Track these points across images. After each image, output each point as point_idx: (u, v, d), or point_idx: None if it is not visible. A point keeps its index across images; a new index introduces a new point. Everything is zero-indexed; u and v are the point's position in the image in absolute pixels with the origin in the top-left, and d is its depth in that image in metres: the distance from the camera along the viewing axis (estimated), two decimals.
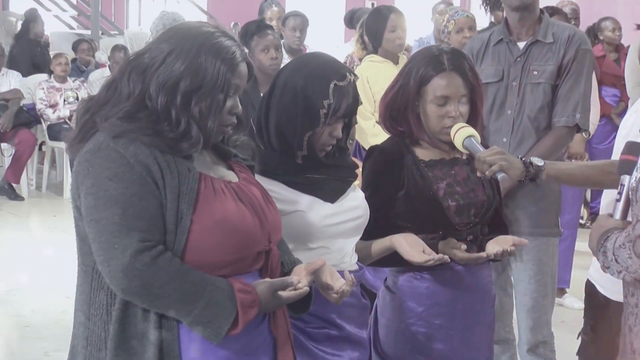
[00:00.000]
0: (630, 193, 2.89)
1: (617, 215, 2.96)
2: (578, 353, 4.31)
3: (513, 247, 3.58)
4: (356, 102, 3.36)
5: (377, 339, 3.74)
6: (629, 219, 2.92)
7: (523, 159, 3.66)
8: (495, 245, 3.59)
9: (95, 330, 2.74)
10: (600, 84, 9.06)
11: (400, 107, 3.70)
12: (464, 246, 3.57)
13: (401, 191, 3.64)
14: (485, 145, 3.69)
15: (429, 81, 3.63)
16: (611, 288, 3.81)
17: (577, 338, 4.30)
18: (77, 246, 2.82)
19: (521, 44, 4.70)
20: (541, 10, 4.76)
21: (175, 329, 2.71)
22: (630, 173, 2.92)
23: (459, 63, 3.66)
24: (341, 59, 8.64)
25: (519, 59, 4.67)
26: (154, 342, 2.68)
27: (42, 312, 7.09)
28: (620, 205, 2.95)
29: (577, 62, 4.62)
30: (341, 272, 3.13)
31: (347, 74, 3.32)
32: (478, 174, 3.61)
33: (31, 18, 13.74)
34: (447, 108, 3.62)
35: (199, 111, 2.75)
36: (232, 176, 2.94)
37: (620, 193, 2.96)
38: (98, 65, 13.35)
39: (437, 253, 3.47)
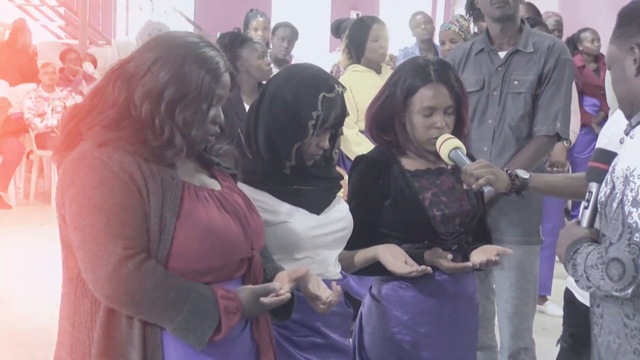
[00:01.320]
0: (599, 207, 2.88)
1: (585, 223, 2.96)
2: (557, 359, 4.31)
3: (497, 257, 3.59)
4: (344, 113, 3.37)
5: (363, 347, 3.73)
6: (596, 226, 2.92)
7: (509, 172, 3.68)
8: (480, 255, 3.60)
9: (80, 338, 2.73)
10: (580, 93, 9.10)
11: (386, 117, 3.70)
12: (450, 256, 3.57)
13: (387, 200, 3.63)
14: (470, 156, 3.69)
15: (416, 92, 3.63)
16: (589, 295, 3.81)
17: (557, 345, 4.31)
18: (62, 254, 2.81)
19: (502, 54, 4.70)
20: (522, 21, 4.77)
21: (159, 336, 2.71)
22: (597, 180, 2.91)
23: (445, 74, 3.66)
24: (327, 68, 8.68)
25: (499, 68, 4.68)
26: (137, 348, 2.67)
27: (29, 320, 7.09)
28: (588, 213, 2.95)
29: (557, 72, 4.62)
30: (328, 283, 3.14)
31: (336, 85, 3.32)
32: (464, 186, 3.62)
33: (19, 27, 13.72)
34: (434, 118, 3.62)
35: (183, 120, 2.75)
36: (215, 184, 2.95)
37: (588, 200, 2.95)
38: (85, 75, 13.33)
39: (424, 262, 3.48)
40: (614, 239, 2.70)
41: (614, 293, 2.73)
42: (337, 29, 9.93)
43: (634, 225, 2.65)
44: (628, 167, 2.70)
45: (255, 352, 2.94)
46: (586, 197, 2.97)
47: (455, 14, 10.87)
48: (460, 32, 7.25)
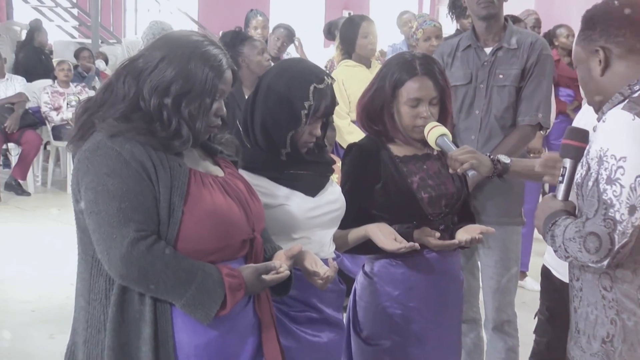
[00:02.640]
0: (576, 188, 2.88)
1: (560, 196, 2.95)
2: (535, 331, 4.32)
3: (481, 235, 3.62)
4: (334, 103, 3.37)
5: (356, 321, 3.74)
6: (571, 199, 2.92)
7: (491, 157, 3.68)
8: (464, 234, 3.62)
9: (95, 314, 2.73)
10: (556, 85, 9.11)
11: (376, 108, 3.71)
12: (437, 234, 3.59)
13: (378, 184, 3.64)
14: (456, 142, 3.70)
15: (403, 84, 3.64)
16: (564, 272, 3.81)
17: (534, 318, 4.32)
18: (77, 237, 2.82)
19: (488, 50, 4.70)
20: (505, 19, 4.76)
21: (168, 312, 2.71)
22: (570, 156, 2.91)
23: (430, 68, 3.67)
24: (322, 63, 8.68)
25: (485, 63, 4.67)
26: (149, 323, 2.68)
27: (47, 298, 7.09)
28: (563, 187, 2.94)
29: (539, 66, 4.62)
30: (325, 261, 3.16)
31: (325, 77, 3.32)
32: (450, 170, 3.63)
33: (36, 27, 13.71)
34: (419, 109, 3.64)
35: (188, 113, 2.76)
36: (218, 171, 2.96)
37: (562, 175, 2.95)
38: (98, 72, 13.32)
39: (413, 241, 3.48)
40: (591, 215, 2.71)
41: (590, 264, 2.74)
42: (328, 31, 9.94)
43: (608, 201, 2.65)
44: (601, 148, 2.70)
45: (258, 326, 2.94)
46: (560, 172, 2.96)
47: (422, 13, 10.84)
48: (441, 29, 7.24)
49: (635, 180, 2.63)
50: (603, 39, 2.87)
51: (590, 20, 2.93)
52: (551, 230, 2.87)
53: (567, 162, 2.93)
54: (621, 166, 2.64)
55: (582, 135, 2.92)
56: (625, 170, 2.64)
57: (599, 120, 2.88)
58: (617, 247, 2.65)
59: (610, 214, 2.65)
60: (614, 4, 2.91)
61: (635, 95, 2.79)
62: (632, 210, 2.64)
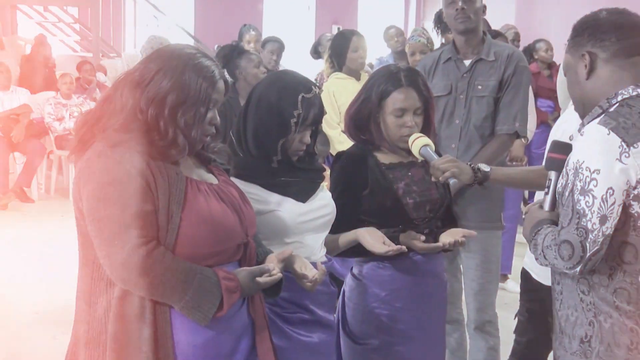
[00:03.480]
0: (557, 197, 2.90)
1: (546, 207, 2.96)
2: (515, 331, 4.34)
3: (463, 239, 3.62)
4: (321, 111, 3.38)
5: (345, 321, 3.74)
6: (557, 211, 2.93)
7: (472, 166, 3.69)
8: (448, 237, 3.63)
9: (96, 316, 2.73)
10: (536, 96, 9.15)
11: (363, 118, 3.72)
12: (422, 237, 3.60)
13: (366, 190, 3.65)
14: (437, 152, 3.71)
15: (389, 95, 3.66)
16: (543, 274, 3.84)
17: (514, 318, 4.33)
18: (78, 242, 2.81)
19: (467, 62, 4.71)
20: (484, 32, 4.78)
21: (167, 313, 2.71)
22: (555, 169, 2.93)
23: (415, 79, 3.69)
24: (312, 75, 8.69)
25: (465, 75, 4.69)
26: (149, 325, 2.68)
27: (50, 300, 7.08)
28: (549, 198, 2.95)
29: (516, 78, 4.63)
30: (314, 264, 3.16)
31: (313, 87, 3.34)
32: (433, 178, 3.63)
33: (40, 42, 13.70)
34: (404, 119, 3.65)
35: (184, 122, 2.76)
36: (212, 179, 2.96)
37: (548, 187, 2.96)
38: (99, 84, 13.31)
39: (399, 244, 3.49)
40: (565, 224, 2.74)
41: (565, 271, 2.77)
42: (315, 51, 9.97)
43: (581, 211, 2.68)
44: (578, 160, 2.73)
45: (251, 327, 2.95)
46: (546, 184, 2.98)
47: (417, 27, 10.87)
48: (428, 44, 7.26)
49: (606, 192, 2.65)
50: (590, 44, 2.90)
51: (580, 28, 2.96)
52: (534, 239, 2.89)
53: (553, 175, 2.95)
54: (594, 178, 2.66)
55: (566, 149, 2.93)
56: (598, 182, 2.66)
57: (579, 131, 2.90)
58: (588, 254, 2.68)
59: (582, 223, 2.67)
60: (602, 13, 2.95)
61: (612, 109, 2.81)
62: (603, 220, 2.66)
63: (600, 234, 2.66)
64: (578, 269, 2.71)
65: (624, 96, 2.82)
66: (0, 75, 11.34)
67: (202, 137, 2.87)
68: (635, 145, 2.67)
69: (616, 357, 2.77)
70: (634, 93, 2.82)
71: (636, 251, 2.74)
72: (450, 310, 4.54)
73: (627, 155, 2.66)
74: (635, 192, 2.69)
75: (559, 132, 3.89)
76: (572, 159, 2.78)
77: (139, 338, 2.67)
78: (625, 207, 2.70)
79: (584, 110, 2.95)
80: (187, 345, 2.74)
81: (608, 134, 2.69)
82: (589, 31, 2.91)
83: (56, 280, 7.53)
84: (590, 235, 2.67)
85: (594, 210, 2.66)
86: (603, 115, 2.81)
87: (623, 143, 2.67)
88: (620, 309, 2.77)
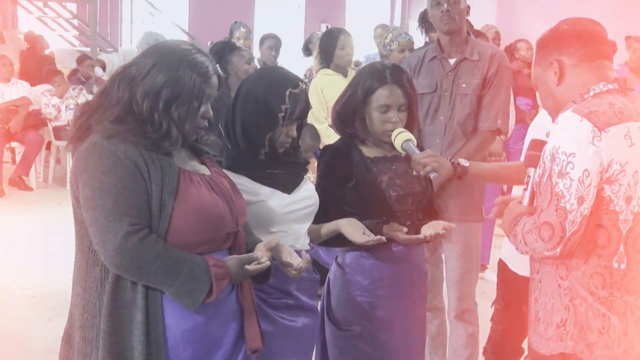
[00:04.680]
0: (534, 186, 2.93)
1: (525, 202, 2.99)
2: (491, 319, 4.35)
3: (444, 231, 3.64)
4: (308, 106, 3.39)
5: (330, 308, 3.75)
6: (535, 205, 2.96)
7: (452, 160, 3.70)
8: (429, 229, 3.64)
9: (91, 300, 2.74)
10: (516, 94, 9.15)
11: (349, 113, 3.72)
12: (404, 229, 3.61)
13: (350, 182, 3.65)
14: (420, 147, 3.73)
15: (374, 92, 3.66)
16: (519, 265, 3.86)
17: (491, 307, 4.34)
18: (75, 229, 2.82)
19: (452, 61, 4.71)
20: (467, 32, 4.78)
21: (159, 298, 2.72)
22: (534, 166, 2.95)
23: (399, 77, 3.70)
24: (301, 72, 8.69)
25: (449, 73, 4.69)
26: (141, 309, 2.69)
27: (47, 285, 7.07)
28: (527, 193, 2.98)
29: (498, 77, 4.64)
30: (299, 252, 3.17)
31: (300, 83, 3.35)
32: (414, 172, 3.64)
33: (32, 39, 13.66)
34: (389, 114, 3.66)
35: (178, 115, 2.77)
36: (204, 170, 2.97)
37: (527, 183, 2.99)
38: (97, 79, 13.27)
39: (382, 235, 3.50)
40: (544, 206, 2.78)
41: (546, 253, 2.80)
42: (306, 48, 9.98)
43: (560, 193, 2.73)
44: (554, 146, 2.78)
45: (240, 312, 2.95)
46: (525, 180, 3.01)
47: (396, 26, 10.90)
48: (412, 41, 7.29)
49: (582, 174, 2.70)
50: (556, 53, 2.97)
51: (543, 41, 3.05)
52: (514, 230, 2.92)
53: (531, 171, 2.98)
54: (571, 161, 2.72)
55: (544, 146, 2.95)
56: (574, 165, 2.71)
57: (554, 122, 2.94)
58: (568, 234, 2.73)
59: (561, 204, 2.72)
60: (562, 26, 3.04)
61: (585, 101, 2.87)
62: (580, 200, 2.71)
63: (579, 214, 2.72)
64: (558, 249, 2.76)
65: (596, 91, 2.89)
66: (3, 68, 11.32)
67: (195, 129, 2.88)
68: (606, 130, 2.73)
69: (588, 340, 2.81)
70: (604, 88, 2.89)
71: (609, 234, 2.79)
72: (432, 298, 4.55)
73: (599, 139, 2.72)
74: (607, 175, 2.74)
75: (536, 128, 3.90)
76: (548, 146, 2.83)
77: (131, 322, 2.69)
78: (599, 191, 2.75)
79: (558, 115, 2.98)
80: (178, 330, 2.75)
81: (581, 120, 2.75)
82: (553, 42, 3.00)
83: (53, 266, 7.51)
84: (569, 216, 2.72)
85: (571, 192, 2.71)
86: (576, 105, 2.87)
87: (595, 128, 2.73)
88: (594, 294, 2.81)
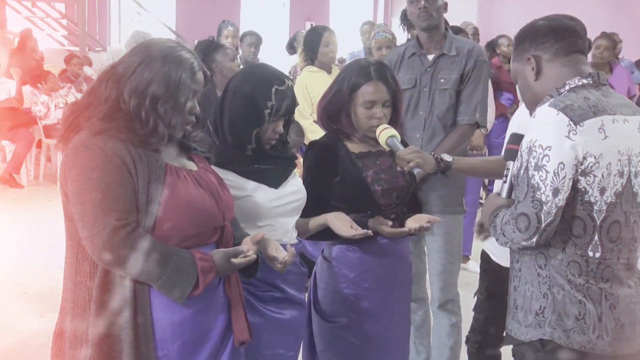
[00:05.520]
0: (513, 180, 2.96)
1: (504, 194, 3.03)
2: (474, 309, 4.37)
3: (428, 224, 3.64)
4: (294, 103, 3.38)
5: (317, 300, 3.75)
6: (513, 197, 2.99)
7: (435, 156, 3.71)
8: (413, 222, 3.65)
9: (81, 294, 2.73)
10: (497, 89, 9.18)
11: (335, 109, 3.73)
12: (389, 222, 3.62)
13: (336, 177, 3.65)
14: (404, 142, 3.73)
15: (359, 88, 3.67)
16: (501, 256, 3.89)
17: (474, 297, 4.36)
18: (65, 225, 2.81)
19: (430, 57, 4.72)
20: (446, 28, 4.80)
21: (147, 292, 2.72)
22: (513, 159, 2.99)
23: (384, 73, 3.70)
24: (286, 69, 8.70)
25: (428, 69, 4.70)
26: (129, 302, 2.69)
27: (38, 280, 7.06)
28: (506, 186, 3.02)
29: (476, 71, 4.65)
30: (284, 246, 3.17)
31: (286, 80, 3.34)
32: (398, 168, 3.65)
33: (26, 36, 13.60)
34: (374, 110, 3.66)
35: (164, 112, 2.77)
36: (192, 166, 2.97)
37: (506, 176, 3.02)
38: (86, 77, 13.24)
39: (367, 228, 3.51)
40: (521, 198, 2.84)
41: (523, 243, 2.85)
42: (290, 47, 9.99)
43: (536, 185, 2.78)
44: (531, 139, 2.83)
45: (227, 305, 2.95)
46: (504, 173, 3.04)
47: (380, 23, 10.94)
48: (392, 39, 7.30)
49: (558, 166, 2.75)
50: (533, 48, 3.02)
51: (520, 37, 3.10)
52: (493, 222, 2.96)
53: (511, 164, 3.01)
54: (547, 154, 2.77)
55: (522, 140, 2.98)
56: (550, 158, 2.76)
57: (531, 115, 2.97)
58: (543, 225, 2.78)
59: (537, 196, 2.77)
60: (538, 22, 3.10)
61: (561, 95, 2.92)
62: (555, 192, 2.76)
63: (554, 205, 2.77)
64: (535, 239, 2.81)
65: (571, 85, 2.94)
66: None
67: (182, 125, 2.87)
68: (581, 124, 2.78)
69: (565, 326, 2.86)
70: (580, 83, 2.94)
71: (584, 225, 2.85)
72: (415, 289, 4.56)
73: (574, 132, 2.77)
74: (582, 167, 2.79)
75: (517, 122, 3.92)
76: (526, 139, 2.87)
77: (120, 315, 2.68)
78: (574, 183, 2.80)
79: (535, 109, 3.01)
80: (166, 322, 2.75)
81: (557, 114, 2.79)
82: (530, 37, 3.05)
83: (44, 261, 7.50)
84: (544, 207, 2.77)
85: (547, 184, 2.76)
86: (553, 99, 2.92)
87: (571, 122, 2.77)
88: (572, 282, 2.86)
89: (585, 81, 2.95)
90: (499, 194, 3.05)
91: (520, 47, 3.08)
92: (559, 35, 3.00)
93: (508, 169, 3.02)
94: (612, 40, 9.67)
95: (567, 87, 2.94)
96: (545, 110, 2.85)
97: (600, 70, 9.74)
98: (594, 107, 2.84)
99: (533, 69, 3.02)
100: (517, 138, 3.01)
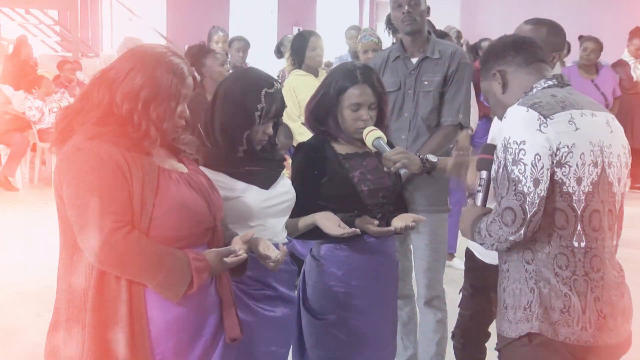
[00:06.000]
0: (492, 183, 2.99)
1: (479, 202, 3.05)
2: (459, 305, 4.37)
3: (414, 223, 3.65)
4: (283, 105, 3.39)
5: (306, 298, 3.76)
6: (488, 205, 3.03)
7: (421, 157, 3.73)
8: (399, 221, 3.66)
9: (77, 295, 2.73)
10: (480, 90, 9.18)
11: (322, 111, 3.73)
12: (376, 222, 3.63)
13: (324, 178, 3.66)
14: (390, 143, 3.74)
15: (345, 91, 3.67)
16: (485, 253, 3.89)
17: (459, 293, 4.36)
18: (59, 227, 2.81)
19: (414, 60, 4.73)
20: (429, 32, 4.81)
21: (142, 292, 2.72)
22: (485, 168, 3.02)
23: (369, 76, 3.71)
24: (274, 72, 8.70)
25: (412, 71, 4.70)
26: (125, 302, 2.69)
27: (34, 281, 7.04)
28: (481, 195, 3.05)
29: (458, 74, 4.67)
30: (276, 245, 3.18)
31: (275, 83, 3.35)
32: (385, 169, 3.66)
33: (21, 42, 13.57)
34: (360, 112, 3.67)
35: (156, 116, 2.77)
36: (182, 168, 2.96)
37: (480, 185, 3.06)
38: (79, 82, 13.21)
39: (354, 227, 3.52)
40: (504, 194, 2.87)
41: (510, 238, 2.87)
42: (278, 51, 10.01)
43: (516, 178, 2.82)
44: (505, 138, 2.88)
45: (219, 303, 2.96)
46: (478, 182, 3.07)
47: (366, 27, 10.98)
48: (378, 42, 7.32)
49: (534, 158, 2.81)
50: (496, 65, 3.15)
51: (484, 58, 3.24)
52: (478, 227, 2.98)
53: (484, 174, 3.04)
54: (522, 148, 2.82)
55: (494, 150, 3.03)
56: (526, 151, 2.81)
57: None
58: (529, 216, 2.82)
59: (519, 188, 2.81)
60: (495, 41, 3.31)
61: (528, 95, 3.01)
62: (536, 183, 2.81)
63: (536, 196, 2.81)
64: (522, 231, 2.84)
65: (538, 88, 3.04)
66: None
67: (173, 129, 2.87)
68: (551, 117, 2.85)
69: (551, 319, 2.90)
70: (546, 85, 3.04)
71: (566, 216, 2.88)
72: (402, 286, 4.57)
73: (545, 125, 2.83)
74: (557, 158, 2.84)
75: (497, 127, 3.93)
76: (500, 139, 2.92)
77: (116, 315, 2.68)
78: (551, 175, 2.84)
79: None
80: (161, 321, 2.74)
81: (527, 111, 2.87)
82: (492, 56, 3.18)
83: (39, 262, 7.50)
84: (527, 198, 2.81)
85: (527, 176, 2.81)
86: (521, 99, 3.00)
87: (541, 116, 2.85)
88: (559, 275, 2.90)
89: (550, 82, 3.05)
90: (474, 203, 3.08)
91: (485, 67, 3.20)
92: (518, 47, 3.13)
93: (482, 179, 3.05)
94: (598, 43, 9.89)
95: (534, 90, 3.03)
96: (515, 109, 2.92)
97: (587, 71, 9.95)
98: (561, 103, 2.92)
99: (499, 83, 3.13)
100: (490, 148, 3.05)
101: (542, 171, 2.80)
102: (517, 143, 2.83)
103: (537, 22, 3.78)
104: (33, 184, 11.60)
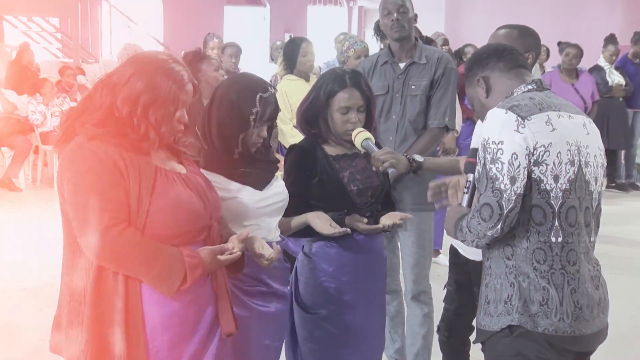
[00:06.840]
0: (476, 184, 3.00)
1: (464, 203, 3.06)
2: (444, 300, 4.38)
3: (401, 221, 3.66)
4: (277, 109, 3.38)
5: (298, 294, 3.75)
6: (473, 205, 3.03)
7: (408, 157, 3.74)
8: (387, 219, 3.66)
9: (77, 289, 2.73)
10: (463, 94, 9.20)
11: (313, 114, 3.73)
12: (365, 220, 3.63)
13: (315, 179, 3.66)
14: (378, 144, 3.74)
15: (335, 95, 3.67)
16: (469, 250, 3.90)
17: (444, 289, 4.37)
18: (62, 224, 2.81)
19: (402, 65, 4.73)
20: (416, 38, 4.81)
21: (138, 286, 2.72)
22: (472, 171, 3.04)
23: (358, 81, 3.71)
24: (267, 77, 8.69)
25: (400, 76, 4.71)
26: (121, 296, 2.69)
27: (37, 277, 7.03)
28: (467, 196, 3.06)
29: (444, 78, 4.68)
30: (270, 244, 3.18)
31: (269, 87, 3.35)
32: (373, 168, 3.67)
33: (24, 49, 13.54)
34: (349, 115, 3.67)
35: (155, 119, 2.77)
36: (181, 169, 2.96)
37: (467, 187, 3.07)
38: (80, 87, 13.17)
39: (344, 226, 3.53)
40: (482, 190, 2.89)
41: (488, 233, 2.89)
42: (271, 56, 10.03)
43: (494, 176, 2.85)
44: (484, 138, 2.91)
45: (214, 299, 2.95)
46: (465, 185, 3.08)
47: (352, 35, 11.00)
48: (367, 48, 7.34)
49: (511, 157, 2.83)
50: (480, 71, 3.18)
51: (469, 64, 3.27)
52: (459, 225, 3.00)
53: (471, 177, 3.05)
54: (500, 148, 2.85)
55: None
56: (503, 151, 2.84)
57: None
58: (505, 211, 2.84)
59: (496, 185, 2.84)
60: (478, 50, 3.34)
61: (508, 98, 3.05)
62: (512, 180, 2.83)
63: (513, 192, 2.83)
64: (499, 226, 2.86)
65: (518, 92, 3.08)
66: None
67: (171, 132, 2.87)
68: (528, 118, 2.87)
69: (530, 312, 2.92)
70: (525, 89, 3.08)
71: (544, 212, 2.90)
72: (390, 282, 4.57)
73: (522, 126, 2.85)
74: (534, 157, 2.86)
75: (479, 131, 3.94)
76: (480, 139, 2.94)
77: (112, 309, 2.69)
78: (529, 174, 2.86)
79: None
80: (156, 315, 2.75)
81: (506, 113, 2.90)
82: (475, 63, 3.22)
83: (42, 260, 7.48)
84: (504, 195, 2.83)
85: (504, 173, 2.83)
86: (501, 102, 3.03)
87: (519, 117, 2.87)
88: (537, 269, 2.91)
89: (530, 87, 3.09)
90: (460, 204, 3.09)
91: (469, 74, 3.23)
92: (500, 54, 3.17)
93: (468, 181, 3.06)
94: (579, 49, 10.16)
95: (514, 94, 3.07)
96: (494, 112, 2.94)
97: (568, 75, 10.09)
98: (539, 105, 2.95)
99: (483, 88, 3.17)
100: (476, 152, 3.06)
101: (518, 169, 2.82)
102: (495, 143, 2.85)
103: (509, 27, 3.83)
104: (35, 184, 11.57)
